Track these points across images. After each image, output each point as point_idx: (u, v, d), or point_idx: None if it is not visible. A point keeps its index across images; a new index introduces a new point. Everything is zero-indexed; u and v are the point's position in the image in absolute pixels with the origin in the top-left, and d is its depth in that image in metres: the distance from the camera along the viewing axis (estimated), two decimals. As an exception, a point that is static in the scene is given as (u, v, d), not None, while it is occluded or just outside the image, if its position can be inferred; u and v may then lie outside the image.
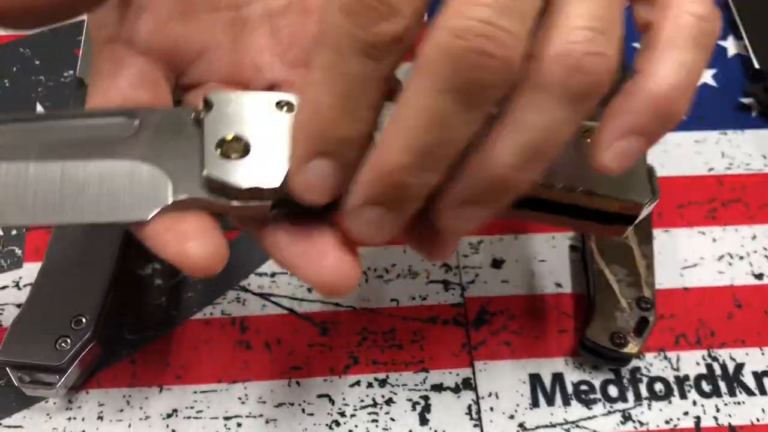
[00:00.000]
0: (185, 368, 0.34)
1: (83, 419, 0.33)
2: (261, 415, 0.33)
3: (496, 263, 0.37)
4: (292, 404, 0.33)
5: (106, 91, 0.26)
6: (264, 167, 0.23)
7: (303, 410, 0.33)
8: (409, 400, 0.34)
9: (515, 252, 0.38)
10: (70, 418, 0.33)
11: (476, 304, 0.36)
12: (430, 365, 0.35)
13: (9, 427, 0.32)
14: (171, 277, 0.36)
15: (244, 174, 0.23)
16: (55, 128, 0.25)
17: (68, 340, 0.31)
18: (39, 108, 0.41)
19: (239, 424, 0.33)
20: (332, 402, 0.34)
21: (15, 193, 0.23)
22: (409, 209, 0.23)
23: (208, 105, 0.24)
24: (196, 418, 0.33)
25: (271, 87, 0.28)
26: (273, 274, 0.37)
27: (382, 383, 0.34)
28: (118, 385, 0.34)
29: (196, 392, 0.34)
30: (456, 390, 0.34)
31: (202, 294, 0.36)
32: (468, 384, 0.34)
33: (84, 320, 0.32)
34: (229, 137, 0.24)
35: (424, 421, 0.33)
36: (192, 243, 0.23)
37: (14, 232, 0.37)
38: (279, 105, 0.24)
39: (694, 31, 0.23)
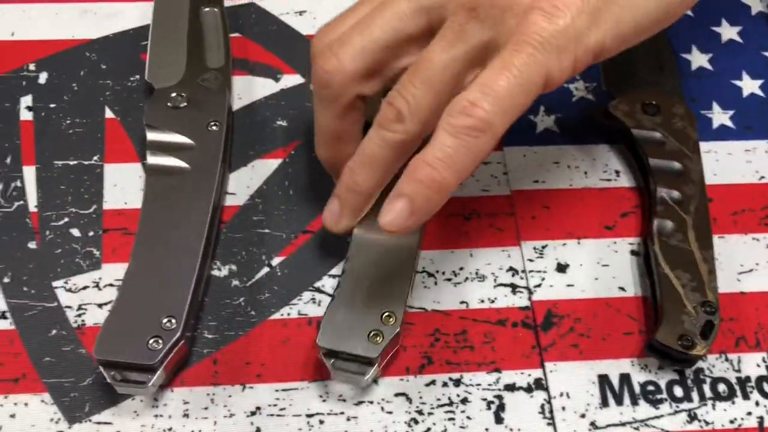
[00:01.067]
0: (266, 367, 0.35)
1: (170, 417, 0.34)
2: (342, 413, 0.34)
3: (561, 267, 0.39)
4: (371, 402, 0.35)
5: None
6: None
7: (382, 408, 0.34)
8: (484, 399, 0.35)
9: (579, 257, 0.39)
10: (157, 416, 0.34)
11: (543, 307, 0.37)
12: (502, 366, 0.36)
13: (99, 423, 0.33)
14: (247, 278, 0.38)
15: None
16: None
17: (160, 340, 0.32)
18: (108, 112, 0.42)
19: (321, 422, 0.34)
20: (410, 400, 0.35)
21: None
22: None
23: None
24: (279, 415, 0.34)
25: None
26: (345, 276, 0.38)
27: (457, 383, 0.35)
28: (201, 384, 0.35)
29: (277, 390, 0.35)
30: (528, 390, 0.35)
31: (278, 295, 0.37)
32: (540, 384, 0.35)
33: (174, 321, 0.33)
34: None
35: (499, 419, 0.34)
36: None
37: (91, 233, 0.38)
38: None
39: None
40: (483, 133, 0.29)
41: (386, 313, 0.33)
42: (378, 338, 0.33)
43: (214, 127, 0.39)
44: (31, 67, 0.44)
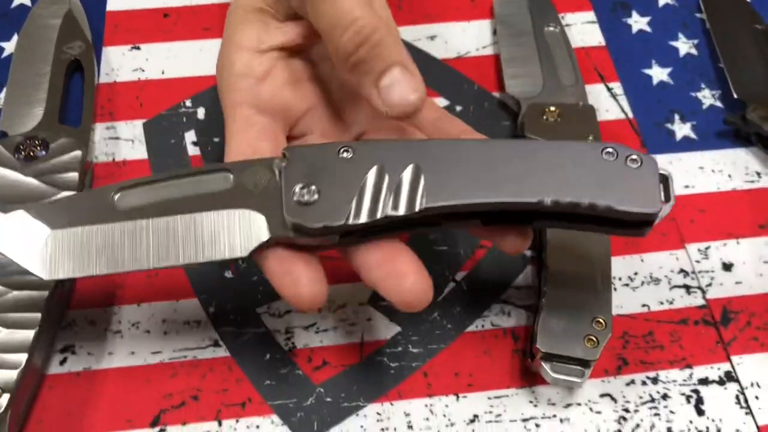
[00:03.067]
0: (474, 377, 0.37)
1: (395, 429, 0.36)
2: (554, 416, 0.36)
3: (726, 267, 0.41)
4: (579, 404, 0.37)
5: (239, 145, 0.33)
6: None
7: (590, 409, 0.36)
8: (683, 394, 0.37)
9: (741, 255, 0.41)
10: (383, 429, 0.35)
11: (718, 305, 0.40)
12: (692, 362, 0.38)
13: (333, 439, 0.35)
14: (437, 293, 0.39)
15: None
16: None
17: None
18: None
19: (537, 425, 0.36)
20: (614, 400, 0.37)
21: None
22: None
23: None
24: (497, 422, 0.36)
25: (359, 137, 0.36)
26: (528, 287, 0.40)
27: (654, 381, 0.37)
28: (418, 396, 0.36)
29: (490, 398, 0.37)
30: (721, 383, 0.37)
31: (469, 308, 0.39)
32: (730, 377, 0.38)
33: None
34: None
35: (700, 412, 0.37)
36: (304, 287, 0.30)
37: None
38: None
39: None
40: None
41: (597, 319, 0.35)
42: (592, 342, 0.35)
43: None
44: (188, 103, 0.46)
